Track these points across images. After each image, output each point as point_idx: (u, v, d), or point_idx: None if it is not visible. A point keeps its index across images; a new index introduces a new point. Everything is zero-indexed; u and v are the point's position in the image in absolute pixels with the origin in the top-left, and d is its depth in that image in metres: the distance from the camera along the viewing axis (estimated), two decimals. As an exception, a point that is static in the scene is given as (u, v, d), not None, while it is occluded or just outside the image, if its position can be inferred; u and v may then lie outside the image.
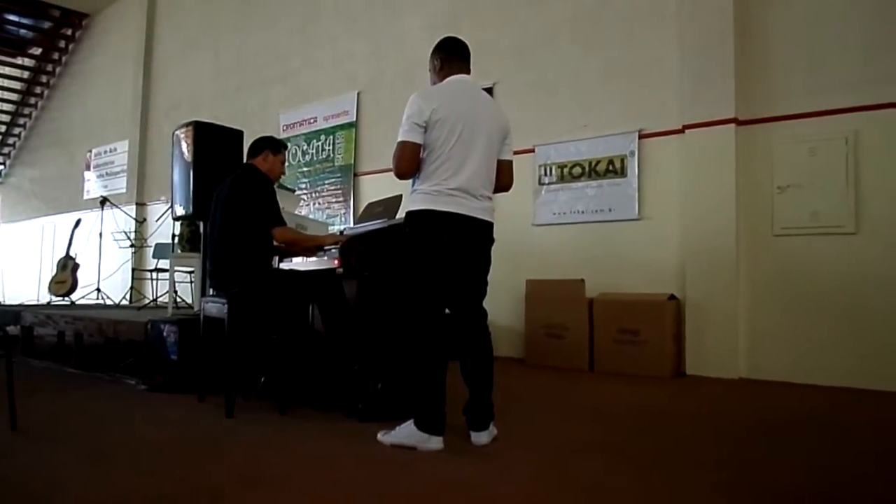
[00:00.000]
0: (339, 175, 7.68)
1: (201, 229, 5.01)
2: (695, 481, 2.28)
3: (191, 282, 6.63)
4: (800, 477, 2.38)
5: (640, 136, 5.30)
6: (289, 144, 7.93)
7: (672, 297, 4.92)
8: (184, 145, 4.63)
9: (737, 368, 4.68)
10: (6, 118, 13.79)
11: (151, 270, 7.88)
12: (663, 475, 2.36)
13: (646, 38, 5.34)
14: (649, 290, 5.04)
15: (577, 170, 5.64)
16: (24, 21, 12.77)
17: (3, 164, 14.46)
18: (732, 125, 4.75)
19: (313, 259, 3.70)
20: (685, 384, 4.53)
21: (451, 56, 2.89)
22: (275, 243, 3.46)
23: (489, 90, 5.83)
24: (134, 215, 9.56)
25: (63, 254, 7.98)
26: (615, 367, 4.88)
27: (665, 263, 5.10)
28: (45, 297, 8.67)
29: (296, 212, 5.49)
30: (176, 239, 6.04)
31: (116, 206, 8.77)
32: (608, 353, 4.96)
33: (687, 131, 4.99)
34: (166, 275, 6.61)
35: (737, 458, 2.62)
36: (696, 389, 4.32)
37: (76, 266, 7.83)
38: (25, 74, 13.41)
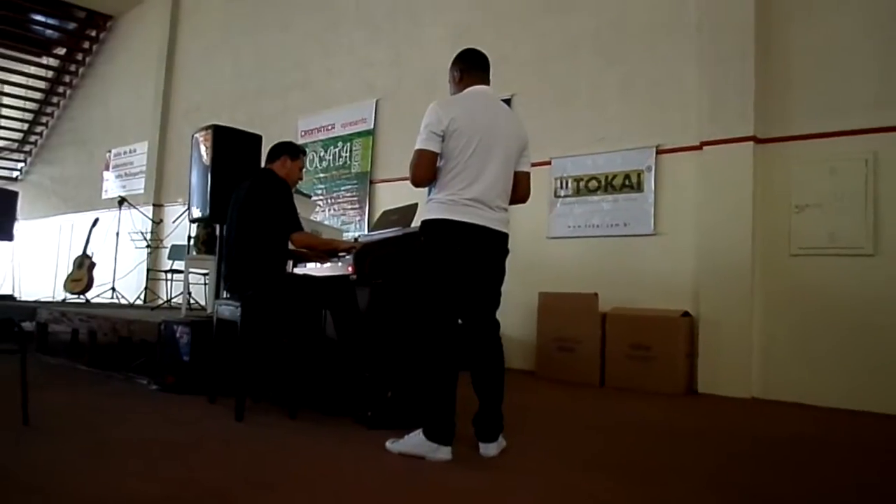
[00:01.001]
0: (355, 182, 7.72)
1: (217, 232, 5.04)
2: (700, 501, 2.26)
3: (205, 284, 6.67)
4: (804, 501, 2.34)
5: (658, 152, 5.28)
6: (307, 150, 7.97)
7: (686, 313, 4.88)
8: (202, 148, 4.68)
9: (749, 388, 4.63)
10: (29, 116, 14.02)
11: (166, 271, 7.93)
12: (669, 493, 2.34)
13: (666, 53, 5.33)
14: (663, 305, 5.00)
15: (594, 183, 5.62)
16: (50, 21, 13.02)
17: (25, 161, 14.68)
18: (751, 143, 4.72)
19: (327, 265, 3.71)
20: (696, 402, 4.48)
21: (471, 67, 2.90)
22: (292, 248, 3.47)
23: (507, 101, 5.82)
24: (151, 216, 9.63)
25: (80, 252, 8.07)
26: (626, 383, 4.84)
27: (679, 280, 5.06)
28: (60, 295, 8.75)
29: (311, 217, 5.51)
30: (192, 241, 6.10)
31: (134, 207, 8.86)
32: (620, 369, 4.92)
33: (705, 148, 4.96)
34: (181, 276, 6.66)
35: (743, 479, 2.59)
36: (707, 408, 4.28)
37: (92, 265, 7.92)
38: (49, 74, 13.64)
